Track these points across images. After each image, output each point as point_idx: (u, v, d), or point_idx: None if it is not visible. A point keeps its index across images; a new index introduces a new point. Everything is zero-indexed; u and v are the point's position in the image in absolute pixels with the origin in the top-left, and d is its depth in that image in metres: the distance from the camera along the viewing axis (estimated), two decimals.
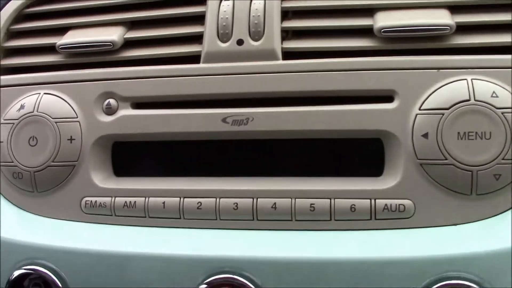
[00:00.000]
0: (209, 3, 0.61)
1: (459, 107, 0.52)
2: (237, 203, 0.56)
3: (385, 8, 0.58)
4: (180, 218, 0.57)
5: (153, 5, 0.64)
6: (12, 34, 0.68)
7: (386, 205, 0.53)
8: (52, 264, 0.57)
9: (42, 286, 0.57)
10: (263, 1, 0.59)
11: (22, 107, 0.62)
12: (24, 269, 0.57)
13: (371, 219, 0.53)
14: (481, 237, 0.51)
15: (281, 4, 0.59)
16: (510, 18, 0.56)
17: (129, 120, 0.60)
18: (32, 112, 0.61)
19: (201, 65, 0.59)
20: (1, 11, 0.68)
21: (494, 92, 0.52)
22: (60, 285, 0.56)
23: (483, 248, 0.50)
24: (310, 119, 0.56)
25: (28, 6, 0.68)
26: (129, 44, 0.63)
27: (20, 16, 0.68)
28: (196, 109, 0.58)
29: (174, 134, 0.59)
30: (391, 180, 0.54)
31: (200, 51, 0.60)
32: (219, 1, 0.60)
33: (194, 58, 0.60)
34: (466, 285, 0.49)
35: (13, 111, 0.62)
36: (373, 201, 0.53)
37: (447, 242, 0.51)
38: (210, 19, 0.60)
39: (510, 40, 0.55)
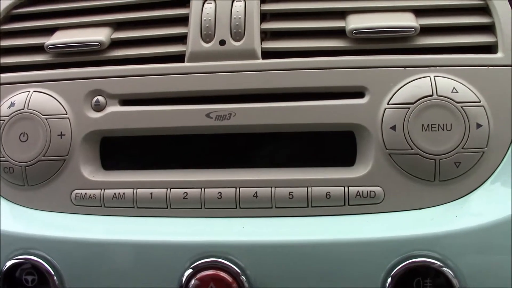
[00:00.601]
0: (192, 5, 0.64)
1: (423, 102, 0.57)
2: (221, 193, 0.60)
3: (356, 11, 0.63)
4: (167, 208, 0.61)
5: (138, 7, 0.67)
6: (1, 34, 0.70)
7: (358, 192, 0.58)
8: (44, 253, 0.59)
9: (35, 275, 0.59)
10: (243, 4, 0.63)
11: (12, 104, 0.64)
12: (17, 259, 0.60)
13: (344, 205, 0.58)
14: (444, 220, 0.56)
15: (260, 7, 0.63)
16: (468, 21, 0.61)
17: (117, 116, 0.63)
18: (23, 109, 0.63)
19: (185, 64, 0.63)
20: None
21: (454, 88, 0.57)
22: (52, 273, 0.59)
23: (445, 229, 0.55)
24: (288, 114, 0.60)
25: (16, 7, 0.70)
26: (116, 44, 0.66)
27: (8, 16, 0.70)
28: (181, 105, 0.62)
29: (161, 129, 0.62)
30: (362, 169, 0.59)
31: (184, 51, 0.63)
32: (202, 3, 0.64)
33: (178, 57, 0.64)
34: (430, 262, 0.54)
35: (3, 108, 0.64)
36: (346, 188, 0.58)
37: (413, 224, 0.56)
38: (193, 21, 0.63)
39: (468, 40, 0.60)
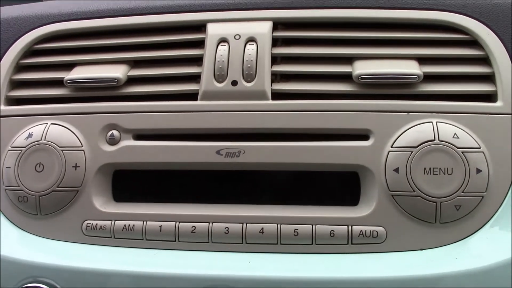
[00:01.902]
0: (207, 46, 0.67)
1: (425, 146, 0.59)
2: (228, 228, 0.62)
3: (363, 58, 0.66)
4: (175, 241, 0.62)
5: (155, 45, 0.70)
6: (21, 68, 0.73)
7: (361, 231, 0.60)
8: (54, 282, 0.61)
9: None
10: (255, 47, 0.66)
11: (30, 135, 0.67)
12: (27, 287, 0.61)
13: (348, 243, 0.60)
14: (444, 261, 0.58)
15: (272, 50, 0.67)
16: (470, 70, 0.64)
17: (131, 150, 0.65)
18: (40, 140, 0.66)
19: (198, 102, 0.66)
20: (11, 46, 0.74)
21: (455, 133, 0.60)
22: None
23: (445, 270, 0.56)
24: (295, 153, 0.62)
25: (38, 43, 0.73)
26: (132, 80, 0.69)
27: (30, 51, 0.74)
28: (193, 142, 0.64)
29: (172, 164, 0.65)
30: (366, 209, 0.61)
31: (197, 90, 0.66)
32: (216, 45, 0.67)
33: (191, 96, 0.66)
34: None
35: (21, 139, 0.67)
36: (350, 227, 0.60)
37: (414, 264, 0.58)
38: (207, 61, 0.66)
39: (469, 89, 0.63)
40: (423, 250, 0.59)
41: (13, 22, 0.75)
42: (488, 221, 0.59)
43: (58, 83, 0.70)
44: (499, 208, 0.59)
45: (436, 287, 0.56)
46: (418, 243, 0.59)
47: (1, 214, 0.67)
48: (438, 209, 0.58)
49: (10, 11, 0.77)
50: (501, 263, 0.56)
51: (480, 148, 0.59)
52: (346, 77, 0.65)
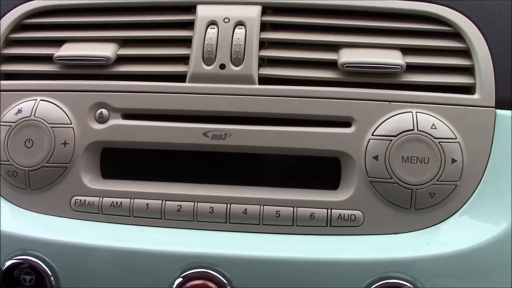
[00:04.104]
0: (196, 28, 0.68)
1: (404, 135, 0.62)
2: (212, 207, 0.64)
3: (348, 46, 0.67)
4: (161, 219, 0.65)
5: (145, 25, 0.71)
6: (10, 42, 0.73)
7: (340, 214, 0.63)
8: (42, 255, 0.63)
9: (33, 275, 0.63)
10: (244, 31, 0.68)
11: (19, 111, 0.67)
12: (16, 259, 0.63)
13: (327, 226, 0.63)
14: (416, 245, 0.61)
15: (260, 35, 0.68)
16: (451, 62, 0.66)
17: (119, 129, 0.67)
18: (29, 116, 0.67)
19: (186, 84, 0.67)
20: (1, 20, 0.74)
21: (433, 124, 0.62)
22: (49, 273, 0.62)
23: (417, 254, 0.60)
24: (280, 137, 0.64)
25: (27, 17, 0.74)
26: (122, 60, 0.70)
27: (19, 25, 0.74)
28: (180, 123, 0.66)
29: (159, 144, 0.66)
30: (345, 193, 0.63)
31: (186, 71, 0.67)
32: (205, 28, 0.68)
33: (180, 77, 0.68)
34: (402, 283, 0.58)
35: (10, 114, 0.68)
36: (329, 210, 0.63)
37: (388, 247, 0.61)
38: (196, 44, 0.67)
39: (449, 81, 0.66)
40: (398, 234, 0.62)
41: None
42: (460, 208, 0.62)
43: (48, 59, 0.71)
44: (470, 196, 0.62)
45: (409, 270, 0.59)
46: (393, 227, 0.62)
47: None
48: (414, 196, 0.61)
49: None
50: (468, 249, 0.59)
51: (456, 139, 0.62)
52: (331, 64, 0.67)
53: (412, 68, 0.66)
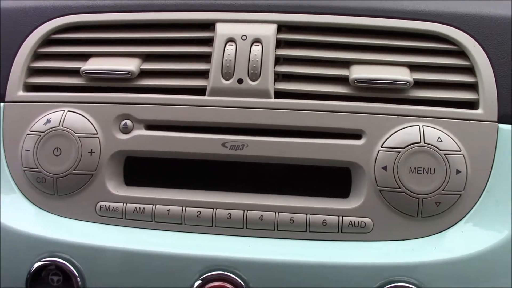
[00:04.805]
0: (216, 45, 0.72)
1: (412, 147, 0.66)
2: (230, 214, 0.68)
3: (359, 63, 0.72)
4: (181, 224, 0.68)
5: (166, 41, 0.75)
6: (39, 56, 0.78)
7: (350, 221, 0.66)
8: (69, 257, 0.67)
9: (60, 276, 0.67)
10: (260, 48, 0.72)
11: (48, 121, 0.72)
12: (44, 261, 0.67)
13: (338, 232, 0.66)
14: (423, 251, 0.64)
15: (275, 51, 0.72)
16: (456, 79, 0.70)
17: (142, 139, 0.71)
18: (58, 126, 0.71)
19: (206, 97, 0.71)
20: (30, 35, 0.78)
21: (439, 137, 0.66)
22: (76, 274, 0.66)
23: (423, 259, 0.63)
24: (294, 148, 0.68)
25: (54, 33, 0.78)
26: (145, 74, 0.74)
27: (47, 40, 0.78)
28: (200, 134, 0.70)
29: (180, 154, 0.70)
30: (355, 201, 0.67)
31: (205, 85, 0.72)
32: (224, 44, 0.72)
33: (200, 91, 0.72)
34: (409, 287, 0.62)
35: (39, 124, 0.72)
36: (340, 218, 0.66)
37: (396, 253, 0.65)
38: (216, 59, 0.72)
39: (455, 96, 0.70)
40: (405, 241, 0.66)
41: (32, 12, 0.79)
42: (464, 216, 0.66)
43: (74, 72, 0.75)
44: (474, 205, 0.66)
45: (415, 274, 0.62)
46: (401, 234, 0.66)
47: (20, 193, 0.72)
48: (420, 205, 0.65)
49: (27, 1, 0.81)
50: (473, 255, 0.63)
51: (460, 151, 0.66)
52: (343, 80, 0.71)
53: (419, 84, 0.70)
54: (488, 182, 0.66)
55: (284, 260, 0.64)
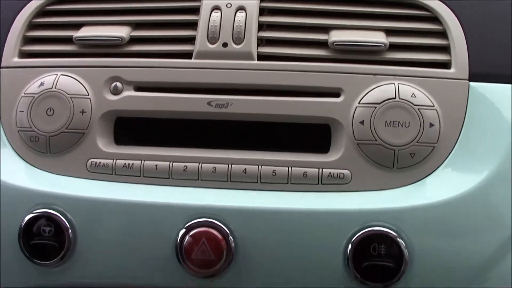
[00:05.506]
0: (202, 12, 0.76)
1: (387, 103, 0.69)
2: (215, 168, 0.71)
3: (338, 28, 0.75)
4: (169, 178, 0.71)
5: (155, 11, 0.79)
6: (33, 26, 0.81)
7: (330, 173, 0.69)
8: (61, 209, 0.69)
9: (52, 227, 0.69)
10: (244, 15, 0.76)
11: (42, 84, 0.75)
12: (36, 212, 0.70)
13: (318, 183, 0.69)
14: (399, 199, 0.68)
15: (258, 18, 0.76)
16: (429, 42, 0.74)
17: (131, 99, 0.74)
18: (51, 88, 0.74)
19: (193, 60, 0.75)
20: (25, 6, 0.82)
21: (413, 93, 0.70)
22: (68, 226, 0.69)
23: (399, 205, 0.66)
24: (276, 106, 0.72)
25: (48, 4, 0.82)
26: (134, 40, 0.78)
27: (41, 11, 0.82)
28: (187, 94, 0.73)
29: (168, 113, 0.73)
30: (335, 155, 0.70)
31: (192, 50, 0.75)
32: (209, 12, 0.76)
33: (187, 55, 0.76)
34: (386, 231, 0.65)
35: (33, 87, 0.75)
36: (320, 170, 0.69)
37: (373, 201, 0.68)
38: (202, 25, 0.76)
39: (428, 57, 0.73)
40: (383, 190, 0.69)
41: None
42: (438, 167, 0.69)
43: (67, 40, 0.79)
44: (447, 157, 0.69)
45: (391, 219, 0.65)
46: (378, 184, 0.69)
47: (15, 152, 0.75)
48: (396, 156, 0.68)
49: None
50: (446, 200, 0.66)
51: (433, 106, 0.70)
52: (322, 44, 0.75)
53: (395, 47, 0.74)
54: (460, 135, 0.69)
55: (267, 207, 0.67)
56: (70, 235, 0.69)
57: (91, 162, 0.73)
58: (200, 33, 0.75)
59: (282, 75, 0.73)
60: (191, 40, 0.77)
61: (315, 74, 0.72)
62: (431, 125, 0.69)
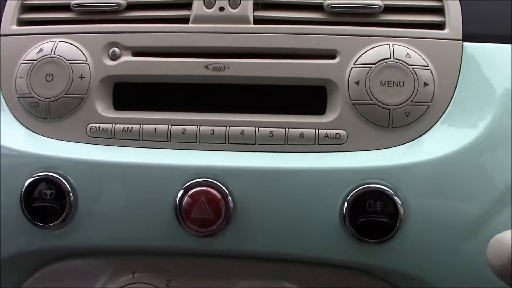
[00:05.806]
0: None
1: (382, 63, 0.70)
2: (213, 130, 0.72)
3: None
4: (167, 141, 0.72)
5: None
6: None
7: (326, 133, 0.70)
8: (61, 171, 0.71)
9: (53, 189, 0.70)
10: None
11: (41, 50, 0.76)
12: (37, 176, 0.71)
13: (315, 144, 0.70)
14: (394, 157, 0.69)
15: None
16: (423, 4, 0.75)
17: (130, 64, 0.75)
18: (50, 54, 0.75)
19: (190, 25, 0.75)
20: None
21: (407, 54, 0.71)
22: (69, 189, 0.70)
23: (395, 163, 0.67)
24: (273, 69, 0.73)
25: None
26: (132, 7, 0.78)
27: None
28: (184, 58, 0.74)
29: (166, 77, 0.74)
30: (331, 116, 0.71)
31: (189, 15, 0.76)
32: None
33: (184, 20, 0.76)
34: (382, 188, 0.66)
35: (32, 53, 0.76)
36: (317, 130, 0.70)
37: (369, 159, 0.69)
38: None
39: (422, 19, 0.74)
40: (378, 150, 0.70)
41: None
42: (433, 126, 0.70)
43: (65, 8, 0.79)
44: (442, 115, 0.70)
45: (387, 176, 0.67)
46: (374, 144, 0.70)
47: (15, 118, 0.76)
48: (391, 115, 0.69)
49: None
50: (442, 157, 0.67)
51: (428, 66, 0.70)
52: (318, 7, 0.75)
53: (390, 9, 0.75)
54: (455, 95, 0.70)
55: (264, 166, 0.68)
56: (71, 198, 0.70)
57: (91, 126, 0.74)
58: None
59: (278, 38, 0.73)
60: (187, 5, 0.77)
61: (310, 36, 0.73)
62: (426, 84, 0.70)
